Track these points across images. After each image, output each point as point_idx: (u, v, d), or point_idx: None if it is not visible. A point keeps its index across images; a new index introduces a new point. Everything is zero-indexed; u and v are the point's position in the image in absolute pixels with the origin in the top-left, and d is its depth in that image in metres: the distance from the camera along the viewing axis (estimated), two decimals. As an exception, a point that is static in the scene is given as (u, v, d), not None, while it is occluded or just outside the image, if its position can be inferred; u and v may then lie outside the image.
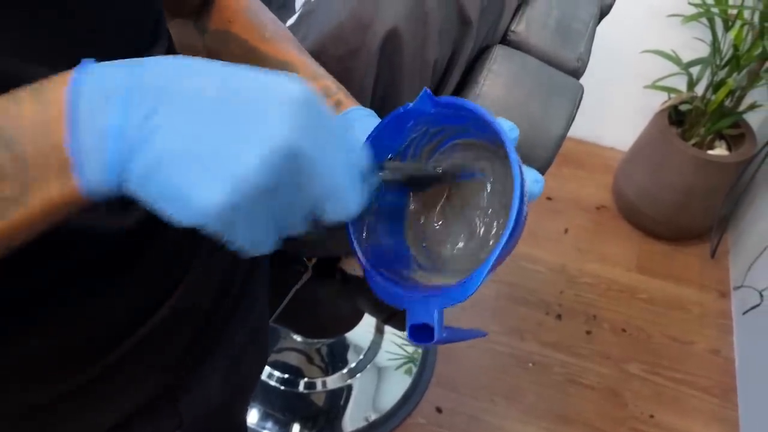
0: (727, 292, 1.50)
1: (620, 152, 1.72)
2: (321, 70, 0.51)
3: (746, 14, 1.29)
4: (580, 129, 1.76)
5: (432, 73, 0.62)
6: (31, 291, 0.37)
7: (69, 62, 0.29)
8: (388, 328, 1.34)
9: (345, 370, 1.28)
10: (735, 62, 1.33)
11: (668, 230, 1.57)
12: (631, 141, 1.62)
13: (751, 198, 1.48)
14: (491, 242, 0.40)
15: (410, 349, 1.33)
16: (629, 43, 1.51)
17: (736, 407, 1.30)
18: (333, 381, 1.27)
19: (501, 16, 0.67)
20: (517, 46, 0.67)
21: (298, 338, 1.28)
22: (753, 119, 1.48)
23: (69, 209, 0.28)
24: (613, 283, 1.51)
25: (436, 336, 0.33)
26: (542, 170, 0.64)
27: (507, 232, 0.32)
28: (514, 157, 0.33)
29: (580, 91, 0.66)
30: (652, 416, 1.28)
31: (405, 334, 0.39)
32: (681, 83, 1.48)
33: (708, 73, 1.42)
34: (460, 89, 0.66)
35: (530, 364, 1.34)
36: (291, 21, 0.64)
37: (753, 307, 1.32)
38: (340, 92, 0.49)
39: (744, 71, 1.35)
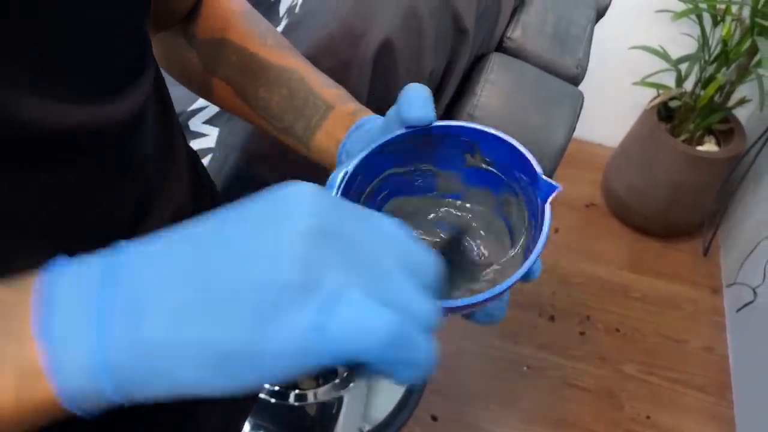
0: (719, 288, 1.50)
1: (609, 149, 1.71)
2: (328, 80, 0.48)
3: (734, 9, 1.28)
4: (567, 126, 1.74)
5: (427, 84, 0.59)
6: None
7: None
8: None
9: (336, 381, 1.26)
10: (724, 57, 1.32)
11: (659, 227, 1.56)
12: (619, 138, 1.61)
13: (741, 194, 1.47)
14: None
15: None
16: (617, 39, 1.49)
17: (732, 405, 1.30)
18: (324, 392, 1.24)
19: (497, 22, 0.64)
20: (514, 53, 0.65)
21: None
22: (740, 114, 1.48)
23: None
24: (606, 282, 1.49)
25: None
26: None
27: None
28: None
29: (581, 99, 0.64)
30: (648, 417, 1.27)
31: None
32: (669, 79, 1.47)
33: (696, 68, 1.41)
34: (457, 99, 0.63)
35: (525, 368, 1.32)
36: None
37: (746, 304, 1.31)
38: (352, 102, 0.46)
39: (733, 66, 1.34)
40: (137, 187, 0.39)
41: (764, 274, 1.23)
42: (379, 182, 0.39)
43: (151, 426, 0.43)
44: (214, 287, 0.23)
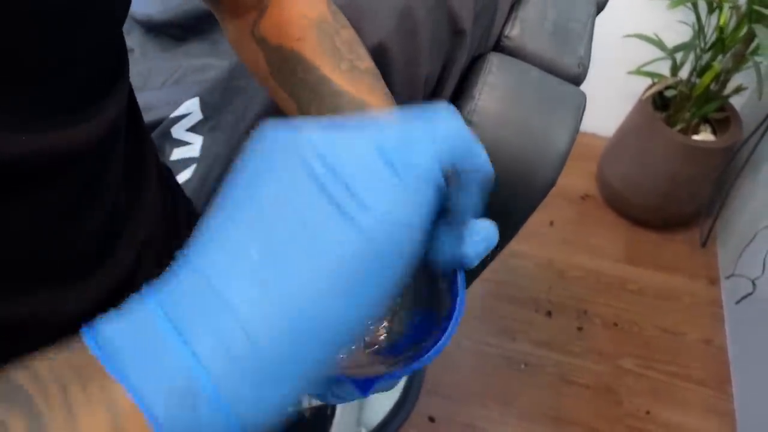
0: (716, 279, 1.48)
1: (604, 139, 1.68)
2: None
3: (730, -5, 1.25)
4: (561, 116, 1.71)
5: (423, 89, 0.55)
6: None
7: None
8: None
9: (332, 383, 1.23)
10: (720, 45, 1.29)
11: (655, 218, 1.54)
12: (614, 128, 1.58)
13: (739, 183, 1.45)
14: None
15: (399, 357, 1.29)
16: (611, 27, 1.45)
17: (731, 398, 1.28)
18: (320, 395, 1.22)
19: (494, 20, 0.60)
20: (513, 52, 0.61)
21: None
22: (736, 102, 1.45)
23: None
24: (602, 275, 1.47)
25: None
26: (545, 192, 0.59)
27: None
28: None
29: (583, 101, 0.61)
30: (648, 412, 1.25)
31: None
32: (664, 68, 1.44)
33: (692, 56, 1.38)
34: (453, 102, 0.60)
35: (523, 365, 1.30)
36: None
37: (745, 296, 1.29)
38: None
39: (729, 54, 1.31)
40: (104, 216, 0.36)
41: (764, 266, 1.22)
42: None
43: None
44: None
